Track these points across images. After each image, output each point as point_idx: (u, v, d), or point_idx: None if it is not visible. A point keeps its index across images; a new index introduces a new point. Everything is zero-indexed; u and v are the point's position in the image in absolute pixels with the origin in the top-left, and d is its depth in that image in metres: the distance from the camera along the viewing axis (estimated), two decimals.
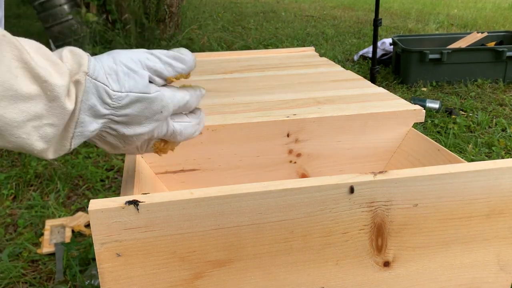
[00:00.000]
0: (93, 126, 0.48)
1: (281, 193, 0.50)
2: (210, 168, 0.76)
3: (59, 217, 1.96)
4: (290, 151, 0.78)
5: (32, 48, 0.44)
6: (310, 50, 1.36)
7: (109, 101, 0.48)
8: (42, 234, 1.83)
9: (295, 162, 0.80)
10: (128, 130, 0.50)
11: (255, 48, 4.69)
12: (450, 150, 0.77)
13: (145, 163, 0.73)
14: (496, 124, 2.84)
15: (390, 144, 0.82)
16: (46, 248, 1.74)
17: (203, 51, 4.27)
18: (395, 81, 3.60)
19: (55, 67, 0.44)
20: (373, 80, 3.15)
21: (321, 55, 1.29)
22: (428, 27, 5.76)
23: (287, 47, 4.79)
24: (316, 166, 0.81)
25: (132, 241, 0.47)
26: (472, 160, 2.29)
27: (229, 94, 0.92)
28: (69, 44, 3.85)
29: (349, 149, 0.81)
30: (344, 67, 1.19)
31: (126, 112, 0.49)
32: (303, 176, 0.81)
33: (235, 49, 4.45)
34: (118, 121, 0.50)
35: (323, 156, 0.80)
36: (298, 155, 0.79)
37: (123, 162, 1.55)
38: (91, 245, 1.73)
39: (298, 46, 4.87)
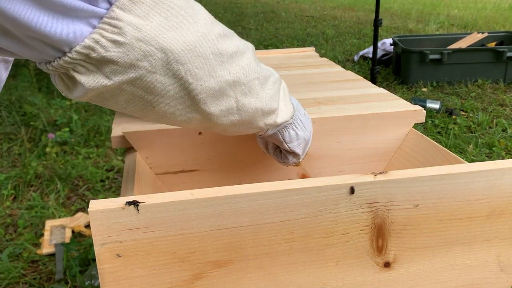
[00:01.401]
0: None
1: (282, 194, 0.50)
2: (210, 169, 0.76)
3: (59, 217, 1.96)
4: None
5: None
6: (310, 51, 1.36)
7: None
8: (42, 235, 1.83)
9: None
10: None
11: (255, 49, 4.68)
12: (451, 151, 0.76)
13: (145, 164, 0.73)
14: (496, 125, 2.84)
15: (390, 144, 0.82)
16: (46, 248, 1.74)
17: None
18: (396, 82, 3.60)
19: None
20: (373, 80, 3.15)
21: (321, 56, 1.29)
22: (428, 27, 5.77)
23: (287, 47, 4.79)
24: (317, 166, 0.81)
25: (132, 241, 0.47)
26: (473, 161, 2.29)
27: None
28: None
29: (350, 149, 0.81)
30: (344, 68, 1.19)
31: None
32: (304, 176, 0.81)
33: None
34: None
35: (324, 156, 0.80)
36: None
37: (123, 162, 1.55)
38: (91, 245, 1.73)
39: (298, 46, 4.87)
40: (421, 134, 0.80)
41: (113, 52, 0.43)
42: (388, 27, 5.77)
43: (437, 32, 5.43)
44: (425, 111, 0.83)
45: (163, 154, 0.73)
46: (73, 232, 1.85)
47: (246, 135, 0.75)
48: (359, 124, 0.79)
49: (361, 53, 4.31)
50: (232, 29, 0.69)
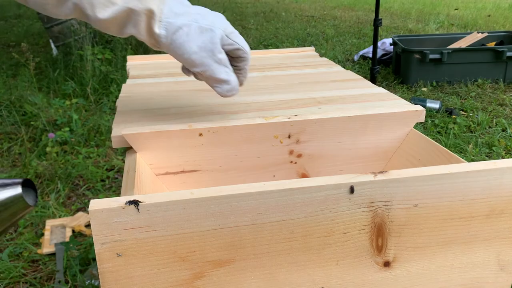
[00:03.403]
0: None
1: (281, 193, 0.50)
2: (210, 169, 0.76)
3: (60, 217, 1.96)
4: (291, 152, 0.78)
5: None
6: (310, 50, 1.36)
7: None
8: (42, 234, 1.83)
9: (295, 163, 0.80)
10: None
11: (255, 48, 4.69)
12: (451, 150, 0.76)
13: (145, 164, 0.73)
14: (496, 124, 2.84)
15: (390, 144, 0.82)
16: (47, 248, 1.74)
17: None
18: (395, 81, 3.60)
19: None
20: (373, 80, 3.15)
21: (321, 55, 1.29)
22: (428, 27, 5.76)
23: (287, 47, 4.79)
24: (317, 166, 0.81)
25: (133, 241, 0.47)
26: (473, 160, 2.29)
27: None
28: (69, 44, 3.86)
29: (350, 149, 0.81)
30: (344, 67, 1.19)
31: None
32: (304, 176, 0.81)
33: None
34: None
35: (324, 156, 0.80)
36: (299, 155, 0.79)
37: (123, 162, 1.55)
38: (91, 245, 1.73)
39: (298, 46, 4.87)
40: (421, 134, 0.80)
41: None
42: (388, 27, 5.77)
43: (437, 32, 5.42)
44: (425, 111, 0.83)
45: (163, 155, 0.73)
46: (73, 231, 1.85)
47: (247, 137, 0.75)
48: (359, 125, 0.79)
49: (361, 52, 4.31)
50: None
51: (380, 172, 0.53)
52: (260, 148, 0.76)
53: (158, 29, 0.64)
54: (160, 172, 0.75)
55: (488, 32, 3.81)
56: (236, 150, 0.76)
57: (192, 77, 0.74)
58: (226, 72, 0.68)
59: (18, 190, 0.46)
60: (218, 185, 0.76)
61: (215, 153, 0.75)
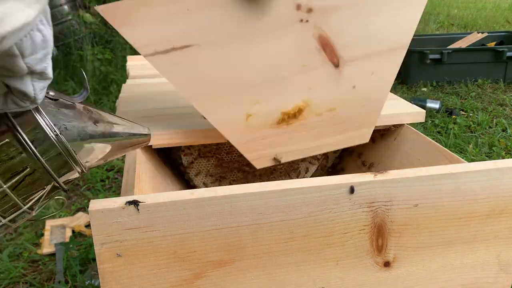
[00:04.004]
0: None
1: (281, 193, 0.50)
2: (204, 42, 0.63)
3: (60, 217, 1.96)
4: (298, 7, 0.64)
5: None
6: None
7: None
8: (42, 235, 1.83)
9: (307, 21, 0.65)
10: None
11: None
12: (451, 150, 0.76)
13: (145, 163, 0.73)
14: (496, 124, 2.84)
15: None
16: (47, 248, 1.74)
17: None
18: (395, 81, 3.60)
19: None
20: None
21: None
22: (428, 27, 5.76)
23: None
24: (335, 22, 0.65)
25: (133, 241, 0.47)
26: (473, 160, 2.29)
27: None
28: (69, 44, 3.86)
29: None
30: None
31: None
32: (322, 38, 0.65)
33: None
34: None
35: (341, 8, 0.65)
36: (309, 10, 0.64)
37: (123, 162, 1.55)
38: (91, 245, 1.73)
39: None
40: (421, 133, 0.80)
41: None
42: None
43: (437, 32, 5.43)
44: (424, 111, 0.83)
45: (148, 30, 0.62)
46: (73, 231, 1.85)
47: None
48: None
49: None
50: None
51: (380, 172, 0.53)
52: (257, 7, 0.63)
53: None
54: (148, 52, 0.64)
55: (488, 32, 3.81)
56: (230, 11, 0.63)
57: None
58: None
59: (147, 130, 0.57)
60: (217, 65, 0.65)
61: (207, 20, 0.62)
